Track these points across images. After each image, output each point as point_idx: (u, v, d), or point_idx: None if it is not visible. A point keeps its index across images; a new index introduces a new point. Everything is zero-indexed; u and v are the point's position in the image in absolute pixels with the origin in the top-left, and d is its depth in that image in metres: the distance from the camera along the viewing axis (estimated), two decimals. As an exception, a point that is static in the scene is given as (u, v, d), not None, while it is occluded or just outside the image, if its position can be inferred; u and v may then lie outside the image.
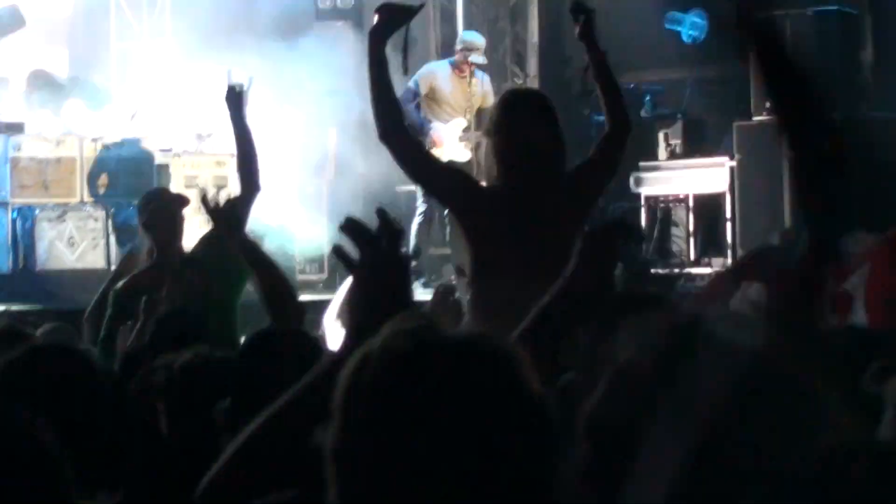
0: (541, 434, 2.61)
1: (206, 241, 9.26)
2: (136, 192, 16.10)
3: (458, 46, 17.72)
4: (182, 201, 9.91)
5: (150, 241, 9.78)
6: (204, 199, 8.24)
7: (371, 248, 4.21)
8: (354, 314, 3.69)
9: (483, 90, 17.36)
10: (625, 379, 2.45)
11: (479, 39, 18.09)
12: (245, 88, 9.52)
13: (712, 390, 2.50)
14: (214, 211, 8.10)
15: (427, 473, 2.46)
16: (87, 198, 17.12)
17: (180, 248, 9.60)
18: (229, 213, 8.01)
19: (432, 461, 2.47)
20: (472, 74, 17.38)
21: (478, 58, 17.60)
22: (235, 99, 8.90)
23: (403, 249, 4.46)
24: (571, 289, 3.97)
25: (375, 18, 7.20)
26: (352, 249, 4.11)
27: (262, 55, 18.60)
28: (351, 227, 4.22)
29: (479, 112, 16.82)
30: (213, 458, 3.35)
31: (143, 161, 17.60)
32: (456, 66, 17.42)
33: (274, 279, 7.53)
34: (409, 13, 7.45)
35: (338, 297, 9.03)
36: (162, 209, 9.64)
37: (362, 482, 2.49)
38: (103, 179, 17.37)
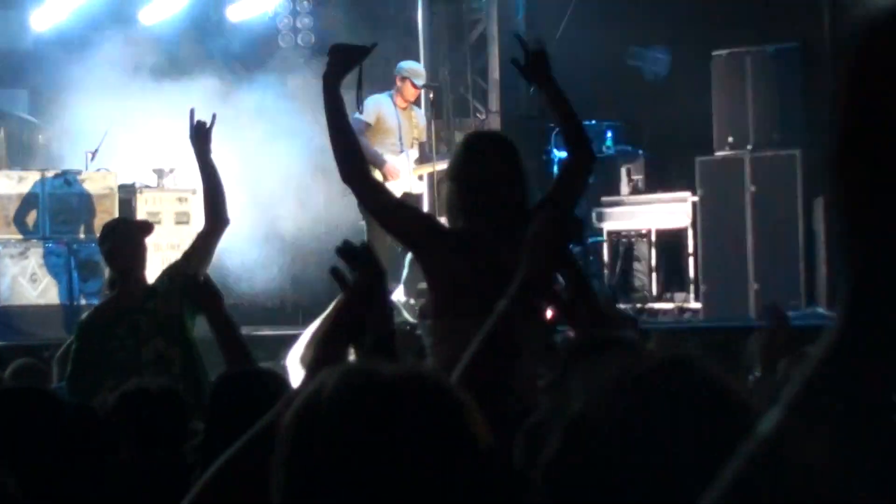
0: (484, 481, 2.58)
1: (169, 273, 9.25)
2: (98, 229, 17.08)
3: (401, 75, 17.57)
4: (144, 228, 9.80)
5: (113, 271, 9.71)
6: (190, 287, 8.22)
7: (365, 271, 4.59)
8: (324, 343, 3.81)
9: (421, 124, 17.51)
10: (579, 430, 2.38)
11: (419, 66, 18.26)
12: (208, 126, 9.65)
13: (675, 443, 2.49)
14: (196, 291, 7.92)
15: None
16: (48, 234, 17.11)
17: (143, 277, 9.40)
18: (207, 288, 7.70)
19: None
20: (411, 107, 17.45)
21: (421, 81, 17.64)
22: (200, 137, 9.01)
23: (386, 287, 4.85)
24: (524, 287, 4.06)
25: (328, 61, 7.23)
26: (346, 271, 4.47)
27: (223, 89, 19.27)
28: (346, 250, 4.61)
29: (418, 142, 17.16)
30: (181, 494, 3.39)
31: (104, 197, 17.56)
32: (397, 96, 17.25)
33: (229, 326, 7.37)
34: (363, 52, 7.53)
35: (302, 339, 8.74)
36: (124, 237, 9.46)
37: None
38: (65, 215, 17.38)
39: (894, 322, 1.69)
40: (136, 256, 9.18)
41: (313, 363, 3.84)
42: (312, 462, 2.60)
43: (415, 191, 16.62)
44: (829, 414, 1.78)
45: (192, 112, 10.17)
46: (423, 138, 17.26)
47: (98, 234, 16.66)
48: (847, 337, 1.72)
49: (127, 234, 9.37)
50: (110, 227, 9.98)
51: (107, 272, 16.74)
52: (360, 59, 7.42)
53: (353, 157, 7.29)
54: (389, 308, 4.95)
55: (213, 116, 9.91)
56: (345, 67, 7.28)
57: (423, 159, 16.84)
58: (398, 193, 14.79)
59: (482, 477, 2.47)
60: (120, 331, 8.73)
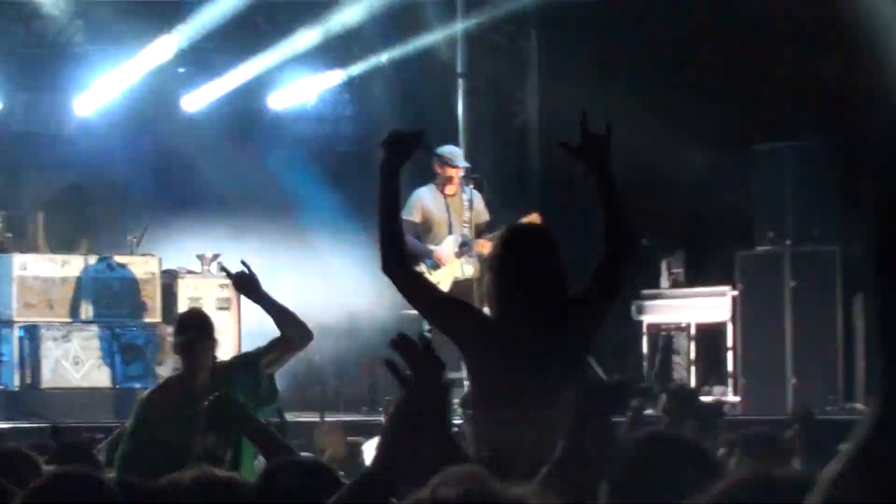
0: None
1: (236, 366, 9.43)
2: (140, 313, 17.47)
3: (439, 162, 17.30)
4: (210, 337, 9.73)
5: (183, 360, 9.77)
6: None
7: (420, 365, 4.56)
8: (390, 430, 3.80)
9: (474, 206, 17.25)
10: None
11: (455, 148, 18.08)
12: (248, 272, 9.88)
13: None
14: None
15: None
16: (91, 317, 17.30)
17: (208, 370, 9.41)
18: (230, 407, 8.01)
19: None
20: (461, 194, 17.19)
21: (460, 162, 17.47)
22: (246, 286, 9.32)
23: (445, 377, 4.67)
24: (573, 447, 4.08)
25: (384, 153, 7.25)
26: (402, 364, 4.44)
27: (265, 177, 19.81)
28: (402, 343, 4.53)
29: (479, 228, 16.90)
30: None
31: (146, 282, 17.79)
32: (442, 185, 17.20)
33: (261, 434, 7.52)
34: (417, 137, 7.49)
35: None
36: (204, 332, 9.67)
37: None
38: (107, 299, 17.56)
39: None
40: (202, 360, 9.37)
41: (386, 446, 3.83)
42: None
43: (466, 274, 16.43)
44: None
45: (220, 265, 10.58)
46: (484, 218, 17.14)
47: (139, 319, 17.44)
48: (883, 422, 2.00)
49: (206, 330, 9.62)
50: (181, 327, 10.10)
51: (151, 353, 16.97)
52: (416, 146, 7.43)
53: (396, 248, 7.33)
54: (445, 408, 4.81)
55: (245, 263, 10.10)
56: (402, 156, 7.32)
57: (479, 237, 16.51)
58: (449, 279, 16.25)
59: None
60: (177, 419, 8.80)
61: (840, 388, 16.69)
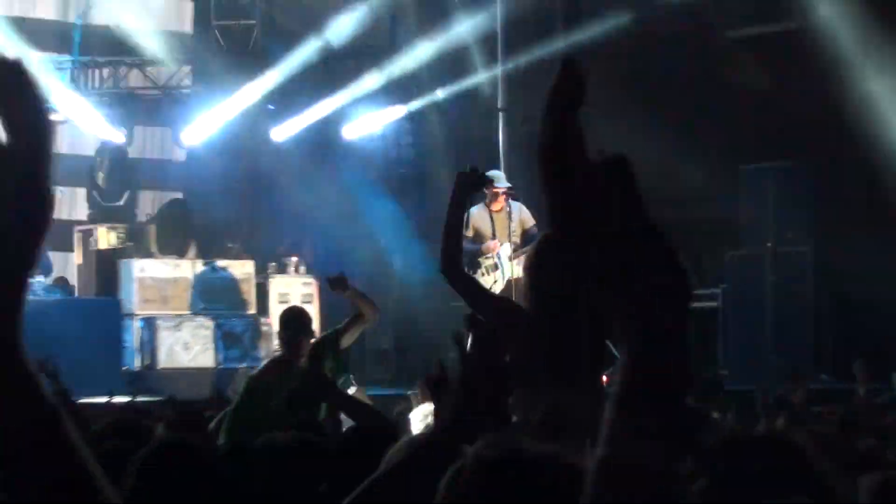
0: None
1: (322, 346, 9.56)
2: (239, 306, 17.99)
3: (487, 186, 16.29)
4: (309, 332, 10.09)
5: (285, 349, 10.09)
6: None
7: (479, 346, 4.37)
8: (459, 391, 3.63)
9: (521, 216, 17.09)
10: None
11: (498, 172, 17.90)
12: (339, 276, 10.40)
13: None
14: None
15: None
16: (198, 310, 17.84)
17: (305, 352, 9.48)
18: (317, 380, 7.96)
19: None
20: (506, 207, 17.01)
21: (503, 183, 17.26)
22: (340, 283, 9.89)
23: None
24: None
25: (461, 180, 7.39)
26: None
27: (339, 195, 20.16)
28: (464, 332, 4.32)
29: (524, 233, 16.76)
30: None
31: (243, 280, 18.37)
32: (489, 203, 17.01)
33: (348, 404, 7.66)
34: (484, 178, 7.96)
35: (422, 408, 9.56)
36: (296, 337, 9.84)
37: None
38: (210, 295, 18.05)
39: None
40: (308, 341, 9.66)
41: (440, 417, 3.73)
42: None
43: (516, 274, 15.89)
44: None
45: (325, 280, 11.06)
46: (530, 223, 16.95)
47: (238, 311, 17.95)
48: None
49: (307, 326, 9.97)
50: (287, 320, 10.42)
51: (248, 339, 17.74)
52: (483, 183, 7.92)
53: (453, 253, 7.43)
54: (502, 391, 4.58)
55: (327, 278, 10.86)
56: (473, 188, 7.61)
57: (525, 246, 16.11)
58: (504, 279, 16.43)
59: None
60: (278, 393, 8.73)
61: (811, 363, 16.88)
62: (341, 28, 21.43)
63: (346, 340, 9.94)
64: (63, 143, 21.21)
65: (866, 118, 17.81)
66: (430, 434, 3.72)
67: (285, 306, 16.24)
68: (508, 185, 17.26)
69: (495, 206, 16.84)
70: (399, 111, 21.95)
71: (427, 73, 21.67)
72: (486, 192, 16.68)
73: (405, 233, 20.25)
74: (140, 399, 14.04)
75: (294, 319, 10.20)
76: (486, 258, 16.69)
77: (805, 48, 18.27)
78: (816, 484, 3.42)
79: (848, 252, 17.80)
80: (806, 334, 17.81)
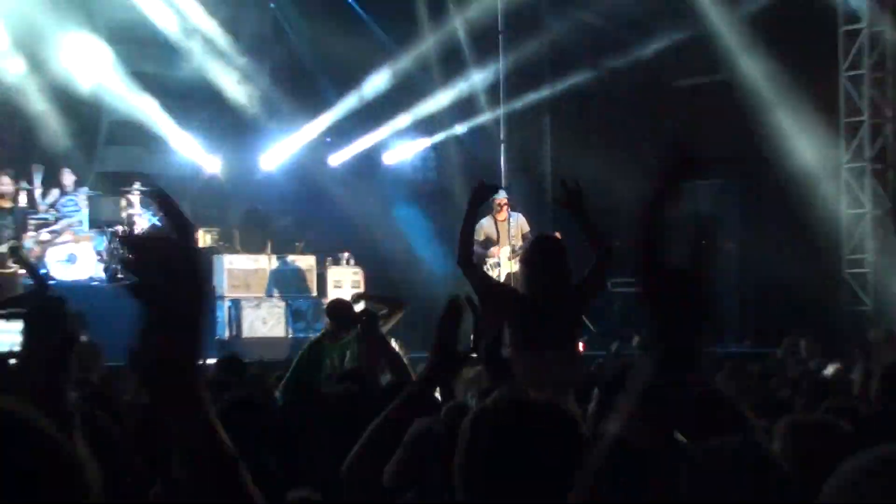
0: (578, 453, 2.49)
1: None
2: (303, 290, 18.69)
3: (491, 203, 17.23)
4: (348, 324, 9.68)
5: (333, 323, 9.83)
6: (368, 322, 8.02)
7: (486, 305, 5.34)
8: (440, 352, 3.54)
9: (519, 224, 17.20)
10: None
11: (502, 191, 17.77)
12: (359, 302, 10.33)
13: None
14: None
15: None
16: (272, 294, 17.95)
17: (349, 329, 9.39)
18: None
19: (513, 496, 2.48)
20: (508, 217, 17.21)
21: (502, 194, 17.37)
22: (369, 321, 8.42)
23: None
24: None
25: (474, 192, 7.35)
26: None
27: (378, 207, 20.59)
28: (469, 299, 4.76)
29: (523, 237, 16.71)
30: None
31: (307, 271, 18.45)
32: (494, 214, 17.16)
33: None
34: (494, 188, 8.10)
35: None
36: (344, 315, 9.71)
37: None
38: (282, 283, 18.14)
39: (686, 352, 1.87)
40: (349, 322, 9.37)
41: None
42: (479, 455, 2.64)
43: (514, 269, 15.99)
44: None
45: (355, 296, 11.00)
46: (526, 229, 17.00)
47: (303, 295, 18.36)
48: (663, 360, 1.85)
49: (348, 312, 9.69)
50: (339, 306, 10.33)
51: (310, 315, 17.78)
52: (491, 193, 7.80)
53: (468, 251, 7.40)
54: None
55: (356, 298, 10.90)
56: (483, 197, 7.51)
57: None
58: (505, 273, 16.48)
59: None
60: (332, 355, 9.04)
61: (738, 333, 17.62)
62: (382, 80, 21.54)
63: (384, 328, 9.57)
64: (171, 166, 21.26)
65: (778, 147, 18.21)
66: (413, 385, 3.66)
67: (339, 290, 17.66)
68: (506, 197, 17.40)
69: (500, 217, 17.03)
70: (425, 142, 21.98)
71: (446, 114, 21.69)
72: (494, 205, 17.04)
73: (429, 234, 20.48)
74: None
75: (336, 310, 10.21)
76: (490, 259, 16.77)
77: (732, 94, 18.62)
78: (741, 424, 3.62)
79: (766, 249, 17.94)
80: (734, 311, 18.29)
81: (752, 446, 2.83)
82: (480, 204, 7.29)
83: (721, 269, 17.87)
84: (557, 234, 11.59)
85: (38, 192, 17.80)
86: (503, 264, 16.68)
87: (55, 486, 1.62)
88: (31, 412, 1.67)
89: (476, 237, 15.45)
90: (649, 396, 1.84)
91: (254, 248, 18.94)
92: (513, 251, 16.68)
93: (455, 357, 3.69)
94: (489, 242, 16.93)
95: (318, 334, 10.49)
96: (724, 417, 3.52)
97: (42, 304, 2.95)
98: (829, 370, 11.43)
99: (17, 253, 15.71)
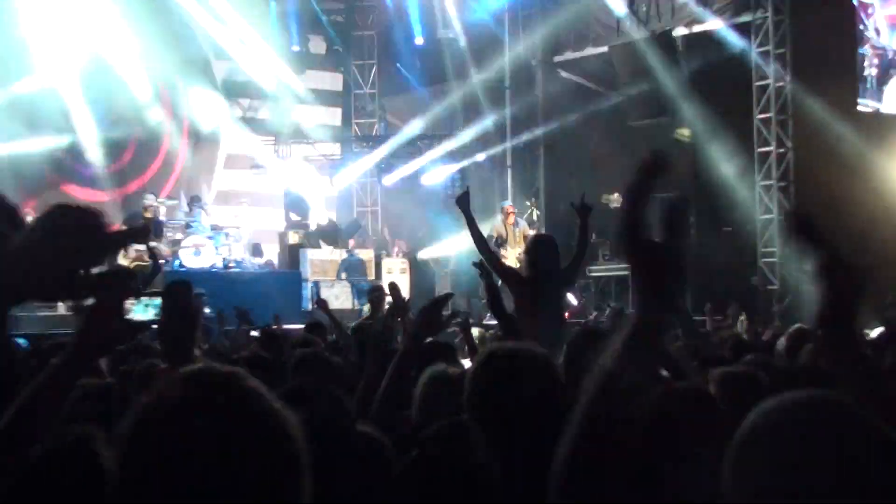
0: (553, 388, 2.42)
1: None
2: (365, 275, 18.41)
3: (501, 208, 17.64)
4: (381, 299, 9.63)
5: (373, 307, 9.90)
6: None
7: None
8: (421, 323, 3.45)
9: (522, 228, 17.14)
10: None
11: (508, 202, 18.18)
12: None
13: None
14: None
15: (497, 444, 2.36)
16: (343, 279, 18.19)
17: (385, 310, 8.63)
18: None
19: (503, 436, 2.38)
20: (515, 224, 17.18)
21: (508, 202, 17.68)
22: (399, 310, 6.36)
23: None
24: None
25: (460, 198, 7.41)
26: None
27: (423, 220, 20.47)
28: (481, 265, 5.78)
29: (524, 237, 16.34)
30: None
31: (368, 262, 18.78)
32: (504, 219, 17.13)
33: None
34: (467, 195, 7.61)
35: None
36: (381, 296, 9.61)
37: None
38: (350, 270, 18.32)
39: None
40: (383, 302, 9.30)
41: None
42: (482, 387, 2.61)
43: (517, 265, 14.77)
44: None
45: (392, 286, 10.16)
46: (529, 233, 16.62)
47: (365, 280, 17.98)
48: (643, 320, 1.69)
49: (383, 297, 9.54)
50: (373, 288, 10.63)
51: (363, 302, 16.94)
52: (467, 202, 7.35)
53: (483, 246, 7.34)
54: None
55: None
56: (467, 201, 7.35)
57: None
58: (514, 259, 15.84)
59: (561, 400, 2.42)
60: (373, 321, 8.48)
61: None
62: (422, 123, 21.50)
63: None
64: (269, 186, 21.07)
65: (709, 170, 17.86)
66: (404, 344, 3.52)
67: (389, 275, 17.80)
68: (513, 208, 17.55)
69: (509, 221, 17.01)
70: (454, 167, 21.76)
71: (469, 146, 21.51)
72: (501, 213, 17.24)
73: (456, 234, 19.20)
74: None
75: (376, 290, 10.24)
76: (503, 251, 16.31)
77: (678, 132, 18.49)
78: (676, 369, 3.58)
79: (703, 245, 16.93)
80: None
81: (699, 389, 2.81)
82: (468, 209, 7.11)
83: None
84: (551, 234, 11.45)
85: (171, 204, 17.88)
86: (511, 263, 15.81)
87: (278, 441, 1.49)
88: (254, 380, 1.54)
89: (491, 233, 16.23)
90: (635, 339, 1.71)
91: (329, 244, 19.11)
92: (518, 258, 16.35)
93: (436, 322, 3.63)
94: (501, 239, 16.68)
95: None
96: (669, 368, 3.43)
97: (174, 285, 2.81)
98: (741, 328, 11.25)
99: (152, 251, 15.53)
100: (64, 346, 2.05)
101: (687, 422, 2.44)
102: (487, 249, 7.50)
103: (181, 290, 2.71)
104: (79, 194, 18.06)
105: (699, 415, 2.49)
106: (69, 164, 18.55)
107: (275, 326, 8.17)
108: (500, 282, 8.57)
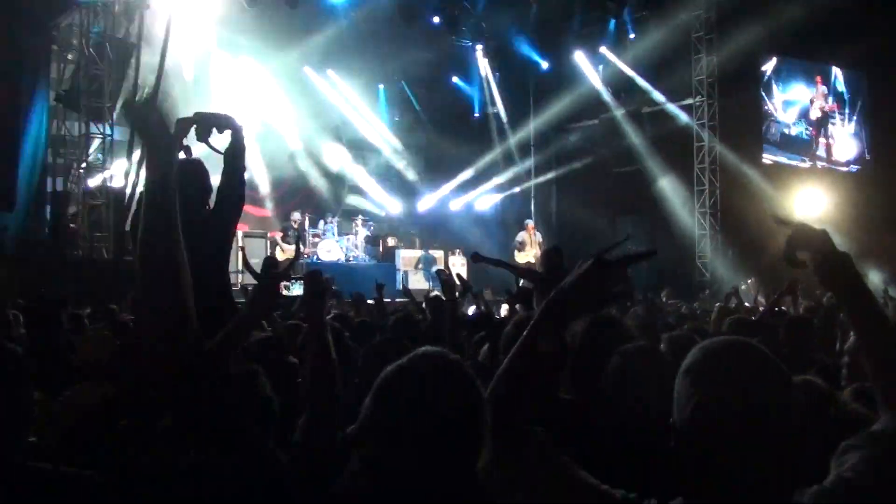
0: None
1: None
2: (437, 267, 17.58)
3: (526, 224, 17.35)
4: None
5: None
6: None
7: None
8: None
9: (539, 239, 16.74)
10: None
11: (530, 220, 17.93)
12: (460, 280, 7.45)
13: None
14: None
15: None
16: (420, 267, 17.97)
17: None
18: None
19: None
20: (534, 234, 16.88)
21: (530, 221, 17.58)
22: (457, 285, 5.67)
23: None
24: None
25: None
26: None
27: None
28: (477, 257, 5.89)
29: (540, 245, 16.08)
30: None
31: (438, 258, 18.33)
32: (525, 232, 16.86)
33: None
34: (476, 257, 7.16)
35: None
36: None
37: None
38: (425, 263, 18.09)
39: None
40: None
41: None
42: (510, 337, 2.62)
43: (536, 260, 14.55)
44: None
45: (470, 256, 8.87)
46: (543, 245, 16.18)
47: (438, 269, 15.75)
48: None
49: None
50: (441, 272, 7.22)
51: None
52: (481, 257, 6.79)
53: (510, 265, 7.29)
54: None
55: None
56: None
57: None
58: (532, 259, 15.49)
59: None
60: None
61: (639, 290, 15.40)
62: (474, 168, 21.61)
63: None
64: (377, 206, 21.09)
65: (663, 200, 18.98)
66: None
67: (453, 269, 15.96)
68: (533, 226, 17.49)
69: (530, 232, 16.94)
70: (497, 197, 22.33)
71: (506, 184, 22.04)
72: (526, 227, 17.15)
73: (500, 242, 19.36)
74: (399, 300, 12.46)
75: (440, 272, 7.13)
76: (523, 255, 16.05)
77: (643, 175, 19.25)
78: (629, 339, 3.07)
79: (657, 250, 17.90)
80: (640, 280, 15.52)
81: (652, 350, 2.62)
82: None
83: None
84: (558, 244, 10.52)
85: (311, 219, 18.17)
86: (530, 260, 15.96)
87: (477, 411, 1.53)
88: (455, 357, 1.58)
89: (517, 239, 16.79)
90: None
91: (412, 246, 19.57)
92: (534, 256, 16.04)
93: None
94: (523, 245, 16.59)
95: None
96: (619, 334, 2.93)
97: (312, 273, 2.59)
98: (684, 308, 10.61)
99: (297, 250, 13.91)
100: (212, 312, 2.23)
101: (639, 374, 2.31)
102: (513, 266, 7.71)
103: (315, 276, 2.61)
104: (252, 211, 18.66)
105: (651, 366, 2.35)
106: (248, 192, 18.72)
107: (376, 296, 7.79)
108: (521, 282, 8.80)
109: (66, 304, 6.37)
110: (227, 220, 3.84)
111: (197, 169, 3.92)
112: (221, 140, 2.84)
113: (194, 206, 3.65)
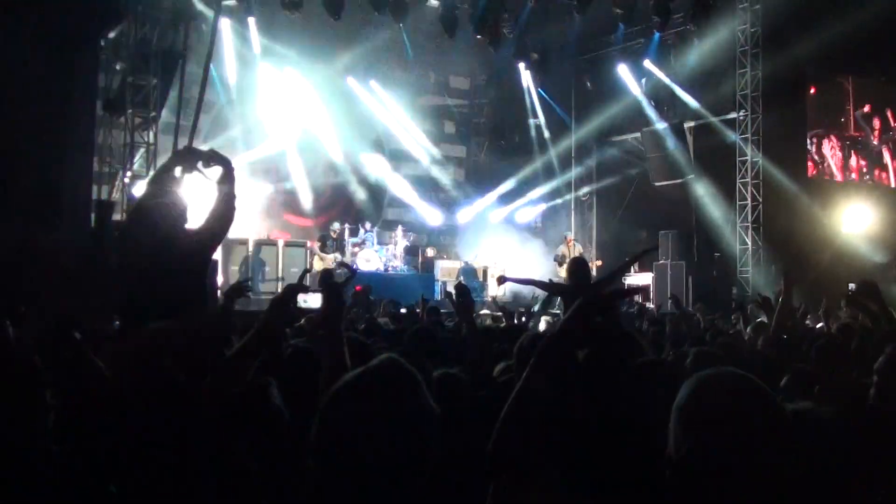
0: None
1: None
2: (475, 277, 18.46)
3: (565, 235, 17.98)
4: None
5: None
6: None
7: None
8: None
9: (577, 250, 17.15)
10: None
11: (569, 232, 18.77)
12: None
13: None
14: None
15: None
16: (460, 278, 17.67)
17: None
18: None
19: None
20: (573, 247, 17.41)
21: (570, 234, 18.26)
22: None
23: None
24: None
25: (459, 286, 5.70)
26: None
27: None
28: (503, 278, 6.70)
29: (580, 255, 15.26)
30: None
31: (478, 269, 18.86)
32: (565, 245, 17.43)
33: None
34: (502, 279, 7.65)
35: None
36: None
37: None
38: (465, 274, 18.30)
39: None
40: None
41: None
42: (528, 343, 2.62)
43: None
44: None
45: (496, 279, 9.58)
46: (579, 252, 16.54)
47: (476, 279, 18.24)
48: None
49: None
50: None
51: (478, 287, 17.87)
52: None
53: (538, 282, 7.24)
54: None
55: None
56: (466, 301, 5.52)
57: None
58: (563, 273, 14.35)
59: None
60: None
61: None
62: (514, 181, 21.41)
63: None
64: (416, 216, 21.25)
65: (706, 214, 18.49)
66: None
67: (491, 278, 17.58)
68: (572, 236, 18.14)
69: (569, 244, 17.51)
70: (540, 208, 22.24)
71: (546, 196, 21.82)
72: (565, 240, 17.68)
73: (543, 257, 19.43)
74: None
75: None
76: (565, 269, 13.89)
77: (687, 188, 18.83)
78: (640, 350, 3.17)
79: (700, 265, 17.57)
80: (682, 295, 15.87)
81: (663, 364, 2.62)
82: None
83: (676, 271, 17.21)
84: (582, 257, 10.94)
85: (351, 228, 18.29)
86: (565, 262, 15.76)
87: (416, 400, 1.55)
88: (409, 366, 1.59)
89: (557, 252, 17.45)
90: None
91: (452, 256, 20.22)
92: (561, 264, 16.57)
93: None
94: (563, 258, 16.93)
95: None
96: (631, 347, 2.99)
97: (328, 286, 2.57)
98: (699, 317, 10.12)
99: (343, 263, 15.95)
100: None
101: (652, 392, 2.22)
102: (540, 281, 7.66)
103: (334, 288, 2.58)
104: (293, 220, 19.10)
105: (662, 383, 2.25)
106: (289, 201, 19.34)
107: (420, 306, 8.18)
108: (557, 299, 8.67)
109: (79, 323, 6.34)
110: (212, 235, 4.01)
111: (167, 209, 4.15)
112: (211, 171, 3.28)
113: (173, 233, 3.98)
